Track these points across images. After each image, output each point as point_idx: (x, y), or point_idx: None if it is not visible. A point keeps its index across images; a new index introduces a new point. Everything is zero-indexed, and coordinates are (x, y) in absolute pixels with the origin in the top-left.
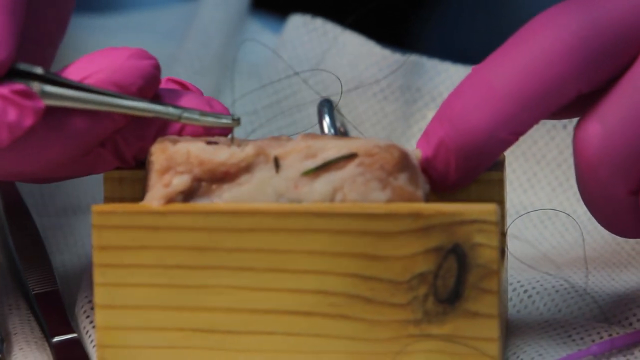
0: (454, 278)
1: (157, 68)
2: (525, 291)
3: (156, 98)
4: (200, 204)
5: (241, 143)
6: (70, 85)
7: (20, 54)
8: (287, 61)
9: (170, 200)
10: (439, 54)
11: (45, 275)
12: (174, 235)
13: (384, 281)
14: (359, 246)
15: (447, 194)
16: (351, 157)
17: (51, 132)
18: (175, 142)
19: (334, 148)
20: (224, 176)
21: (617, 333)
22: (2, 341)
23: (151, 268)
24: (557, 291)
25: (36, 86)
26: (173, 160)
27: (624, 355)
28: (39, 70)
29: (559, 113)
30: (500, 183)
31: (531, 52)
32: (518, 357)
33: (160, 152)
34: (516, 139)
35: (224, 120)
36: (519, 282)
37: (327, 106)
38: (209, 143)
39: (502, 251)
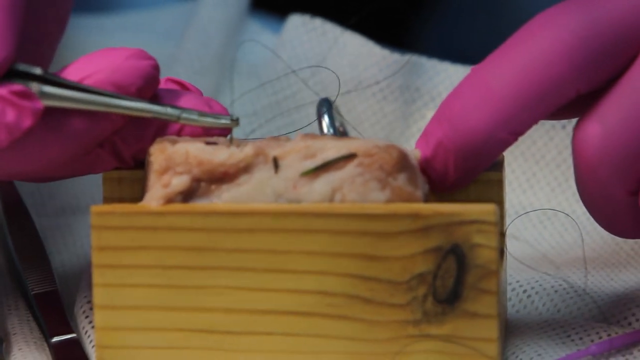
0: (453, 278)
1: (156, 68)
2: (525, 291)
3: (155, 98)
4: (199, 204)
5: (240, 143)
6: (69, 86)
7: (19, 54)
8: (287, 61)
9: (169, 200)
10: (438, 54)
11: (45, 275)
12: (173, 235)
13: (383, 281)
14: (358, 246)
15: (446, 194)
16: (350, 157)
17: (50, 132)
18: (174, 142)
19: (333, 148)
20: (223, 176)
21: (616, 333)
22: (2, 341)
23: (150, 268)
24: (556, 291)
25: (35, 87)
26: (172, 161)
27: (623, 355)
28: (37, 70)
29: (558, 113)
30: (499, 183)
31: (530, 52)
32: (517, 357)
33: (159, 153)
34: (515, 139)
35: (223, 121)
36: (518, 282)
37: (326, 106)
38: (208, 143)
39: (501, 251)
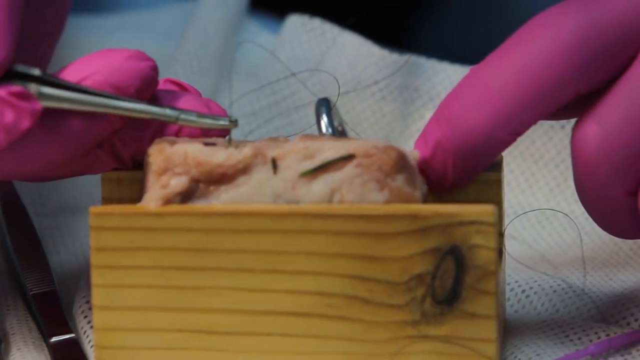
0: (452, 279)
1: (154, 70)
2: (523, 291)
3: (154, 99)
4: (198, 205)
5: (239, 144)
6: (67, 87)
7: (18, 54)
8: (285, 61)
9: (167, 201)
10: (437, 54)
11: (43, 275)
12: (172, 236)
13: (382, 282)
14: (356, 247)
15: (445, 195)
16: (349, 158)
17: (48, 133)
18: (172, 143)
19: (332, 149)
20: (221, 177)
21: (615, 333)
22: (0, 341)
23: (149, 269)
24: (554, 291)
25: (33, 88)
26: (170, 162)
27: (622, 355)
28: (36, 71)
29: (557, 114)
30: (498, 184)
31: (529, 52)
32: (516, 357)
33: (158, 153)
34: (514, 139)
35: (222, 122)
36: (516, 282)
37: (324, 105)
38: (206, 144)
39: (500, 252)
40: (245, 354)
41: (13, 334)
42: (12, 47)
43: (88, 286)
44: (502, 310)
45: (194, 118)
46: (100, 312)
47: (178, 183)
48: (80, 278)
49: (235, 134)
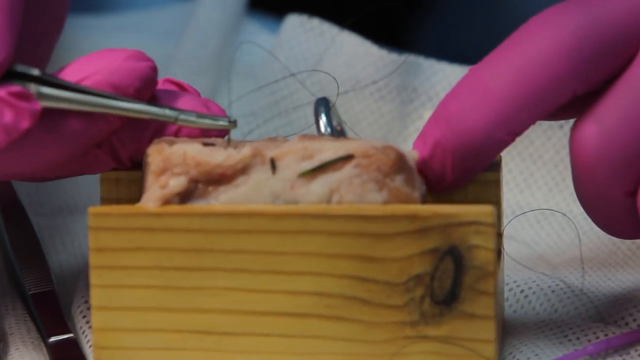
0: (451, 279)
1: (154, 70)
2: (522, 291)
3: (153, 99)
4: (197, 205)
5: (237, 144)
6: (67, 87)
7: (17, 54)
8: (284, 61)
9: (166, 201)
10: (436, 54)
11: (42, 275)
12: (171, 237)
13: (381, 283)
14: (355, 248)
15: (444, 195)
16: (348, 158)
17: (47, 133)
18: (171, 143)
19: (331, 149)
20: (220, 178)
21: (613, 333)
22: None
23: (147, 270)
24: (553, 291)
25: (33, 88)
26: (169, 162)
27: (620, 355)
28: (35, 71)
29: (556, 114)
30: (496, 184)
31: (528, 52)
32: (514, 357)
33: (157, 154)
34: (513, 139)
35: (221, 123)
36: (515, 282)
37: (323, 105)
38: (205, 144)
39: (499, 252)
40: (244, 354)
41: (12, 334)
42: (12, 48)
43: (87, 286)
44: (500, 311)
45: (193, 118)
46: (98, 312)
47: (177, 183)
48: (79, 278)
49: (234, 133)
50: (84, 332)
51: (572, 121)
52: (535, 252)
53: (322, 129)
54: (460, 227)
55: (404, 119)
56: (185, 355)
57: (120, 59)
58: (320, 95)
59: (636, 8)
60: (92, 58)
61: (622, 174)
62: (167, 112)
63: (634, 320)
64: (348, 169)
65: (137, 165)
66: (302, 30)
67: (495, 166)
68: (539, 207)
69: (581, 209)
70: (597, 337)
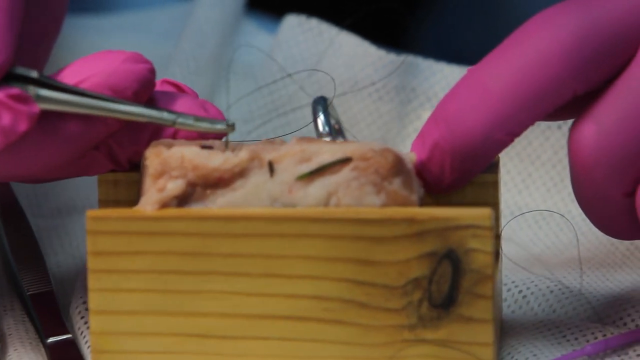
0: (448, 283)
1: (152, 72)
2: (520, 292)
3: (151, 101)
4: (195, 209)
5: (235, 147)
6: (65, 89)
7: (17, 55)
8: (283, 61)
9: (164, 205)
10: (435, 55)
11: (40, 276)
12: (169, 240)
13: (379, 286)
14: (353, 251)
15: (442, 196)
16: (346, 161)
17: (45, 136)
18: (169, 146)
19: (329, 152)
20: (217, 182)
21: (612, 333)
22: None
23: (146, 273)
24: (551, 292)
25: (31, 90)
26: (167, 165)
27: (618, 356)
28: (34, 74)
29: (555, 114)
30: (494, 185)
31: (527, 52)
32: (512, 357)
33: (155, 157)
34: (511, 140)
35: (219, 126)
36: (513, 282)
37: (321, 104)
38: (203, 147)
39: (497, 253)
40: (242, 357)
41: (10, 334)
42: (13, 49)
43: (85, 287)
44: (498, 312)
45: (190, 122)
46: (97, 316)
47: (175, 187)
48: (77, 279)
49: (233, 133)
50: (82, 332)
51: (570, 122)
52: (533, 253)
53: (320, 127)
54: (458, 230)
55: (402, 119)
56: (183, 358)
57: (118, 61)
58: (318, 95)
59: (636, 8)
60: (90, 60)
61: (621, 175)
62: (165, 115)
63: (632, 320)
64: (346, 172)
65: (135, 166)
66: (300, 31)
67: (493, 167)
68: (537, 207)
69: (579, 210)
70: (596, 338)
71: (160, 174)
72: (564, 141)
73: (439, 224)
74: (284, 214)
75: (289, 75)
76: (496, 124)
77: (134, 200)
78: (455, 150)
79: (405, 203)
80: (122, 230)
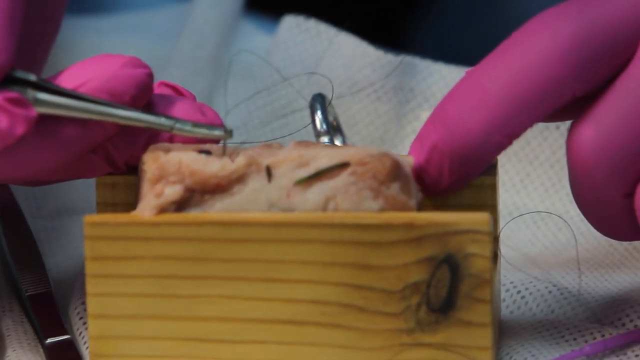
0: (447, 288)
1: (150, 77)
2: (519, 292)
3: (148, 105)
4: (193, 214)
5: (233, 152)
6: (63, 93)
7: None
8: (281, 62)
9: (162, 210)
10: (433, 55)
11: (39, 276)
12: (167, 245)
13: (377, 290)
14: (351, 256)
15: (440, 198)
16: (343, 166)
17: (43, 139)
18: (167, 150)
19: (326, 157)
20: (215, 188)
21: (610, 334)
22: None
23: (144, 278)
24: (550, 292)
25: (30, 93)
26: (165, 170)
27: (617, 356)
28: (32, 77)
29: (554, 116)
30: (492, 187)
31: (527, 53)
32: (511, 357)
33: (152, 162)
34: (510, 142)
35: (216, 133)
36: (512, 283)
37: (319, 101)
38: (200, 152)
39: (495, 255)
40: None
41: (8, 335)
42: (13, 51)
43: (83, 288)
44: (497, 313)
45: (188, 128)
46: (95, 320)
47: (172, 192)
48: (76, 280)
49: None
50: (80, 333)
51: (569, 122)
52: (531, 253)
53: (318, 125)
54: (457, 235)
55: (400, 119)
56: None
57: (117, 66)
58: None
59: (635, 8)
60: (89, 64)
61: (620, 175)
62: (163, 120)
63: (631, 321)
64: (344, 177)
65: (133, 169)
66: (298, 31)
67: (491, 170)
68: (535, 207)
69: (577, 210)
70: (594, 338)
71: (158, 179)
72: (562, 141)
73: (438, 229)
74: (282, 219)
75: (286, 80)
76: (495, 126)
77: (131, 203)
78: (454, 153)
79: (403, 208)
80: (120, 235)
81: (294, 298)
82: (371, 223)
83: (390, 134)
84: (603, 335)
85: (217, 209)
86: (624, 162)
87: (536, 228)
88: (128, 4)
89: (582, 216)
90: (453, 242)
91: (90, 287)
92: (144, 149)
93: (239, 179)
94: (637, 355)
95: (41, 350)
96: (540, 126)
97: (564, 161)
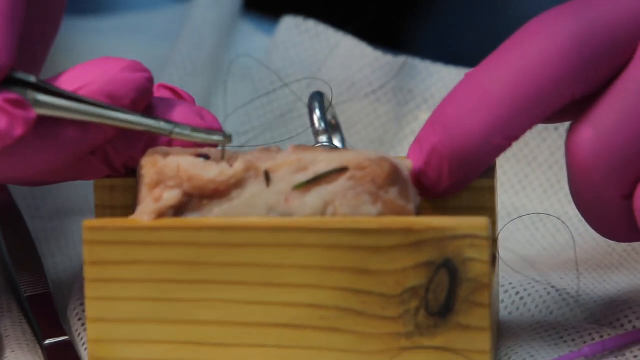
0: (445, 292)
1: (150, 81)
2: (517, 293)
3: (148, 108)
4: (191, 218)
5: (231, 156)
6: (63, 95)
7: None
8: (280, 63)
9: (160, 215)
10: (433, 56)
11: (38, 277)
12: (165, 250)
13: (376, 295)
14: (350, 260)
15: (438, 201)
16: (342, 170)
17: (42, 141)
18: (165, 155)
19: (325, 161)
20: (213, 193)
21: (609, 335)
22: None
23: (142, 282)
24: (548, 293)
25: (29, 95)
26: (163, 175)
27: (616, 357)
28: (32, 78)
29: (553, 117)
30: (491, 190)
31: (527, 54)
32: (510, 359)
33: (151, 166)
34: (510, 144)
35: (215, 137)
36: (510, 284)
37: (317, 99)
38: (199, 155)
39: (494, 257)
40: None
41: (7, 336)
42: (14, 52)
43: (82, 289)
44: (496, 315)
45: (187, 132)
46: (94, 324)
47: (171, 196)
48: (75, 281)
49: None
50: (79, 334)
51: (567, 123)
52: (530, 255)
53: (316, 123)
54: (455, 240)
55: (399, 120)
56: None
57: (117, 69)
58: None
59: (635, 9)
60: (89, 66)
61: (619, 176)
62: (163, 125)
63: (630, 321)
64: (342, 182)
65: (132, 172)
66: (297, 32)
67: (490, 172)
68: (534, 208)
69: (576, 211)
70: (593, 339)
71: (156, 184)
72: (560, 142)
73: (436, 234)
74: (281, 224)
75: (286, 84)
76: (495, 127)
77: (130, 206)
78: (454, 155)
79: (401, 212)
80: (119, 240)
81: (292, 302)
82: (370, 228)
83: (390, 135)
84: (602, 337)
85: (215, 214)
86: (623, 162)
87: (535, 229)
88: (127, 5)
89: (580, 217)
90: (451, 246)
91: (89, 291)
92: (143, 151)
93: (237, 183)
94: (635, 356)
95: (40, 351)
96: (539, 127)
97: (562, 162)
